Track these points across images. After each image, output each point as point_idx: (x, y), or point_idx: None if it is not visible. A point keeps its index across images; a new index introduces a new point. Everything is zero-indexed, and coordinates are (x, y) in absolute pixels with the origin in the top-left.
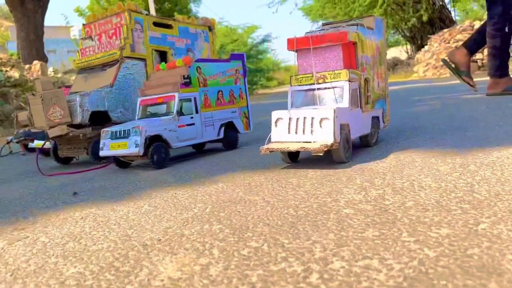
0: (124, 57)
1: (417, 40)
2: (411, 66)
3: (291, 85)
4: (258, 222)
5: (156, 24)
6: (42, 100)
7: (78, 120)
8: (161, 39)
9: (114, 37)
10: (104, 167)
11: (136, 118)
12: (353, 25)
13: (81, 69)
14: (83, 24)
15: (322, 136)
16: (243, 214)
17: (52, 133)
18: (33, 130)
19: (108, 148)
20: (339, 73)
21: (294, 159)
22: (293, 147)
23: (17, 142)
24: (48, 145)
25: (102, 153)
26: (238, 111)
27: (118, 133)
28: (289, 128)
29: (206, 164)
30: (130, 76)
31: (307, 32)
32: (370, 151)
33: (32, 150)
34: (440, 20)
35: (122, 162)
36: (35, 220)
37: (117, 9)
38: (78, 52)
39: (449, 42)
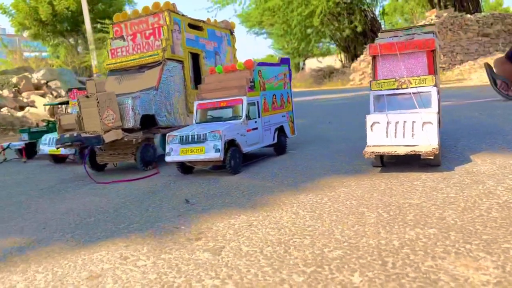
0: (166, 58)
1: (351, 50)
2: (346, 75)
3: (371, 90)
4: (475, 224)
5: (189, 25)
6: (98, 102)
7: (130, 124)
8: (194, 41)
9: (152, 38)
10: (155, 174)
11: (194, 122)
12: (428, 32)
13: (112, 71)
14: (111, 24)
15: (425, 140)
16: (438, 217)
17: (108, 137)
18: (83, 135)
19: (178, 153)
20: (425, 79)
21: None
22: (401, 151)
23: (58, 148)
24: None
25: (169, 159)
26: (286, 116)
27: (190, 137)
28: (387, 132)
29: (282, 169)
30: (171, 79)
31: (379, 39)
32: (443, 154)
33: (24, 156)
34: (372, 32)
35: (187, 168)
36: (195, 229)
37: (154, 8)
38: (107, 52)
39: None
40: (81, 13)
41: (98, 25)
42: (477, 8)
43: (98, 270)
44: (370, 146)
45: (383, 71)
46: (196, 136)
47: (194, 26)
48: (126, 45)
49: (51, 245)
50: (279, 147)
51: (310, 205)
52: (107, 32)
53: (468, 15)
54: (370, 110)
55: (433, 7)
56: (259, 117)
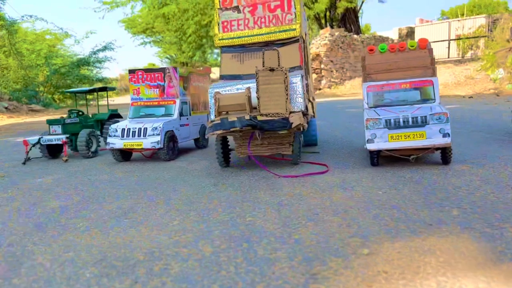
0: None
1: None
2: None
3: None
4: None
5: None
6: (286, 77)
7: (302, 107)
8: (304, 20)
9: (279, 10)
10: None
11: (367, 105)
12: None
13: (226, 47)
14: None
15: None
16: None
17: (295, 121)
18: (261, 118)
19: (385, 139)
20: None
21: None
22: None
23: (219, 134)
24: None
25: (373, 146)
26: None
27: (402, 121)
28: None
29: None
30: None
31: None
32: None
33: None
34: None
35: (378, 158)
36: None
37: None
38: (218, 25)
39: None
40: None
41: None
42: (358, 30)
43: None
44: None
45: None
46: (411, 119)
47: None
48: (242, 18)
49: None
50: None
51: None
52: None
53: (355, 35)
54: None
55: (321, 27)
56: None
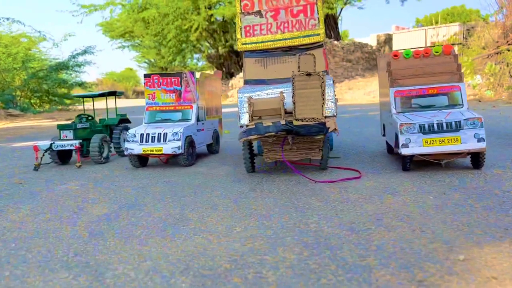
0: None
1: (225, 68)
2: (223, 91)
3: None
4: None
5: None
6: (323, 82)
7: (334, 112)
8: None
9: (302, 15)
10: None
11: (396, 111)
12: None
13: (249, 51)
14: None
15: None
16: None
17: (331, 126)
18: (297, 123)
19: (420, 144)
20: None
21: None
22: None
23: (251, 139)
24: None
25: (408, 151)
26: None
27: (436, 125)
28: None
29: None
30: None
31: None
32: None
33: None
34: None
35: (410, 163)
36: None
37: None
38: (240, 29)
39: None
40: None
41: None
42: (338, 36)
43: None
44: None
45: None
46: (445, 124)
47: None
48: (265, 22)
49: None
50: None
51: None
52: None
53: (336, 41)
54: None
55: None
56: None
